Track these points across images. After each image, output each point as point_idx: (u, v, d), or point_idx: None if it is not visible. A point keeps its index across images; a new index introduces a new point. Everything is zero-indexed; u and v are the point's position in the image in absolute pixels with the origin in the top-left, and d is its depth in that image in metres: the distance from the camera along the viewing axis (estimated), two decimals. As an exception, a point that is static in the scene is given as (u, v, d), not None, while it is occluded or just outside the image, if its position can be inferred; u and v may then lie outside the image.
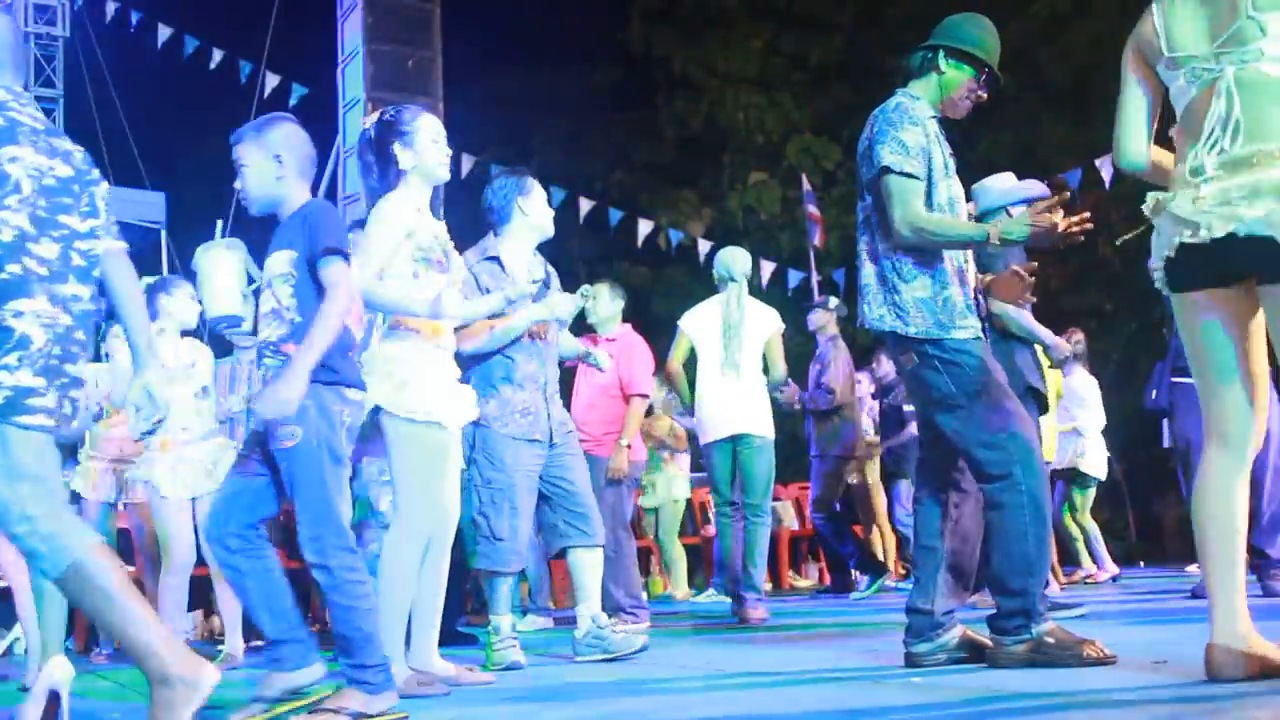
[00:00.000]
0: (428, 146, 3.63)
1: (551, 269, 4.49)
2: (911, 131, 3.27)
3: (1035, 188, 4.98)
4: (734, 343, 6.00)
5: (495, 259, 4.31)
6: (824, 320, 7.62)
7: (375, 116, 3.72)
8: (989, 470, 3.19)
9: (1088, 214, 3.15)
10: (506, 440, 4.17)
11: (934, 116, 3.39)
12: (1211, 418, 2.65)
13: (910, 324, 3.25)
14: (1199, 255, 2.52)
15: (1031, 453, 3.20)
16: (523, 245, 4.35)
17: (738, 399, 5.99)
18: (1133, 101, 2.79)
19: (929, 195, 3.29)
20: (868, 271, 3.35)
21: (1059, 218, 3.15)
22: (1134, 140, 2.79)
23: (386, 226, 3.50)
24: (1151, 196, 2.65)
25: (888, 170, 3.24)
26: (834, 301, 7.86)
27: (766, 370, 6.15)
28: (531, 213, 4.33)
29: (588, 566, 4.29)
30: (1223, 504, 2.59)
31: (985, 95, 3.44)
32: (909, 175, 3.24)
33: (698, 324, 6.13)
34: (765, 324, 6.13)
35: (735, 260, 6.19)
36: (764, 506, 5.98)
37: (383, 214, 3.53)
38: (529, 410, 4.21)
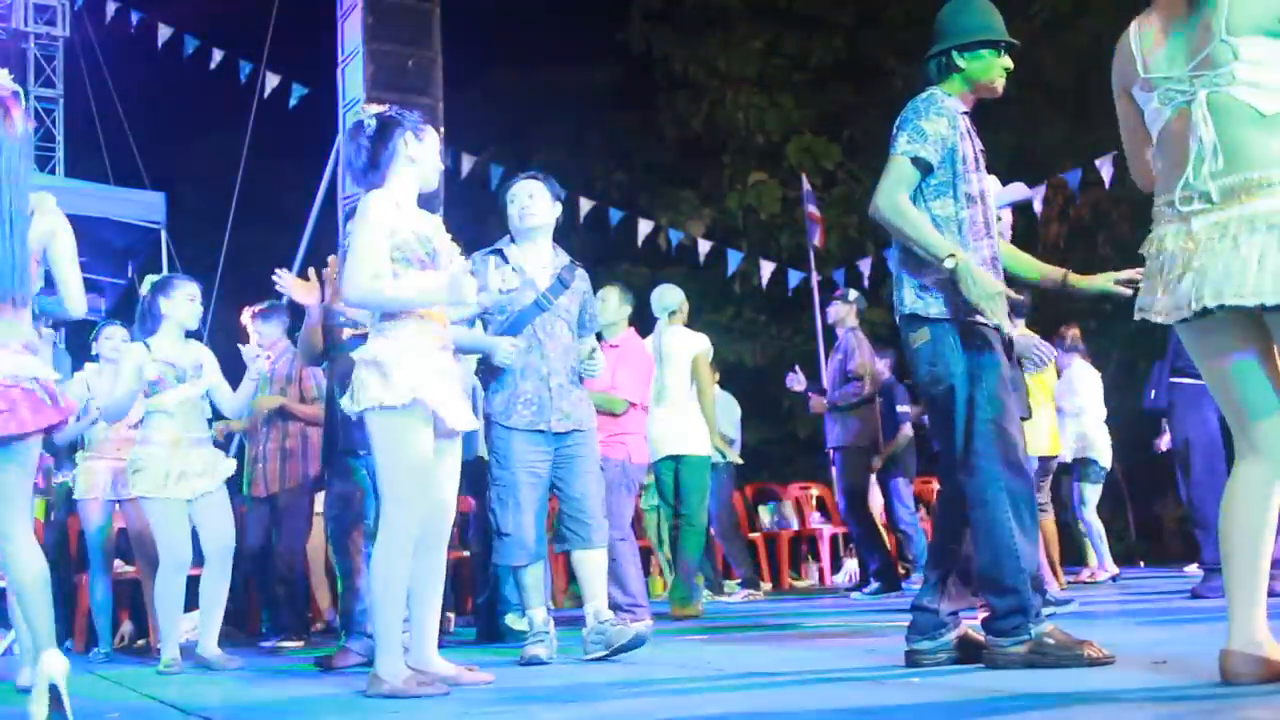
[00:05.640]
0: (431, 150, 3.68)
1: (580, 267, 4.56)
2: (936, 121, 3.27)
3: (1019, 191, 4.98)
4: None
5: (496, 251, 4.43)
6: (844, 313, 7.66)
7: (378, 108, 3.73)
8: (971, 461, 3.17)
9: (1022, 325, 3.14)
10: (510, 434, 4.31)
11: (964, 112, 3.39)
12: (1242, 431, 2.59)
13: (912, 306, 3.26)
14: None
15: (1014, 448, 3.17)
16: (527, 241, 4.48)
17: None
18: (1126, 130, 2.83)
19: (954, 187, 3.29)
20: (901, 258, 3.34)
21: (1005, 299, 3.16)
22: (1143, 175, 2.83)
23: (369, 224, 3.49)
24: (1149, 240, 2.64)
25: (899, 155, 3.24)
26: (853, 294, 7.85)
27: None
28: (512, 215, 4.47)
29: (590, 567, 4.38)
30: (1252, 513, 2.55)
31: (1011, 64, 3.43)
32: (917, 160, 3.24)
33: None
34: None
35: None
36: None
37: (365, 211, 3.52)
38: (531, 401, 4.32)
